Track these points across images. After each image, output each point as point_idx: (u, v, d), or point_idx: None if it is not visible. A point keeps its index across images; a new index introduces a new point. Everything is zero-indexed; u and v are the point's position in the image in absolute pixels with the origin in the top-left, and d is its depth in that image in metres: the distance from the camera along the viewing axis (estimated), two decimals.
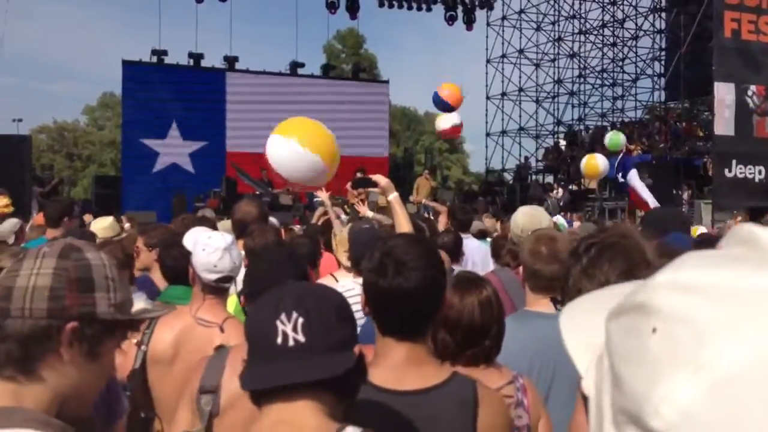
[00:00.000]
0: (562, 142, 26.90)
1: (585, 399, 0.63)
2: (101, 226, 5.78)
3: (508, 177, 27.00)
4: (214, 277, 2.91)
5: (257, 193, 15.13)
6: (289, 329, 1.45)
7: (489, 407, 1.92)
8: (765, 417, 0.46)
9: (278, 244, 3.96)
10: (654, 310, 0.54)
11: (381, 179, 3.46)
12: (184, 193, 16.69)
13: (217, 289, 2.96)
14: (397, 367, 1.88)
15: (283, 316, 1.46)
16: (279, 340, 1.44)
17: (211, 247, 2.92)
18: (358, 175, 11.15)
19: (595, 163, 16.02)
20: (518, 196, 19.44)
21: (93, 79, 75.30)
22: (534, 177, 25.97)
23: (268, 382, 1.45)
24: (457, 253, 5.35)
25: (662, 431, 0.49)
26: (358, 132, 22.09)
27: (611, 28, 27.54)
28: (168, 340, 2.90)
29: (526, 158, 27.47)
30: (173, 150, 20.55)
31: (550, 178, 25.93)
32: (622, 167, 15.49)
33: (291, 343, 1.44)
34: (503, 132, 28.17)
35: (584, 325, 0.67)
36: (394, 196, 3.39)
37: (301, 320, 1.45)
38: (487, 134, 28.36)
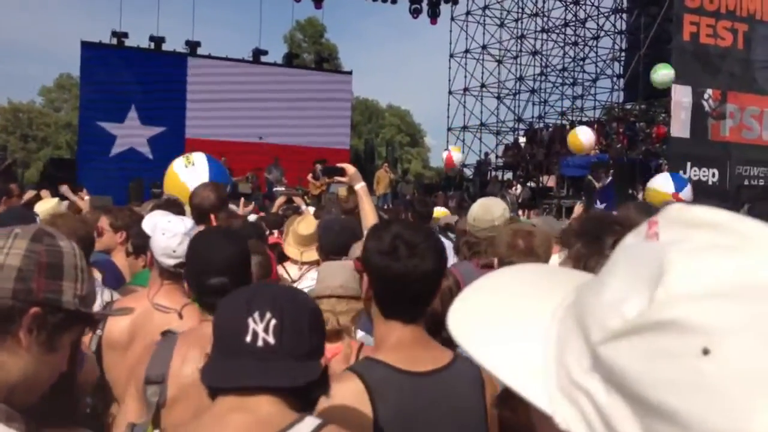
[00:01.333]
0: (522, 140, 27.11)
1: None
2: (44, 207, 5.67)
3: (469, 172, 27.15)
4: (172, 262, 2.86)
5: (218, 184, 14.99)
6: (260, 329, 1.43)
7: (491, 383, 1.98)
8: None
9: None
10: (690, 328, 0.48)
11: (349, 168, 3.45)
12: (141, 179, 16.47)
13: (176, 275, 2.89)
14: (410, 349, 1.92)
15: (256, 315, 1.44)
16: (248, 338, 1.42)
17: (170, 231, 2.87)
18: (318, 166, 11.12)
19: (577, 140, 16.02)
20: (477, 192, 19.56)
21: (50, 60, 73.80)
22: (494, 173, 26.15)
23: (229, 382, 1.44)
24: None
25: None
26: (319, 122, 22.05)
27: (573, 28, 27.81)
28: (124, 325, 2.85)
29: (486, 154, 27.63)
30: (131, 134, 20.27)
31: (509, 175, 26.13)
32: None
33: (260, 343, 1.42)
34: (464, 127, 28.29)
35: (503, 338, 0.58)
36: (360, 186, 3.39)
37: (273, 322, 1.44)
38: (449, 129, 28.48)
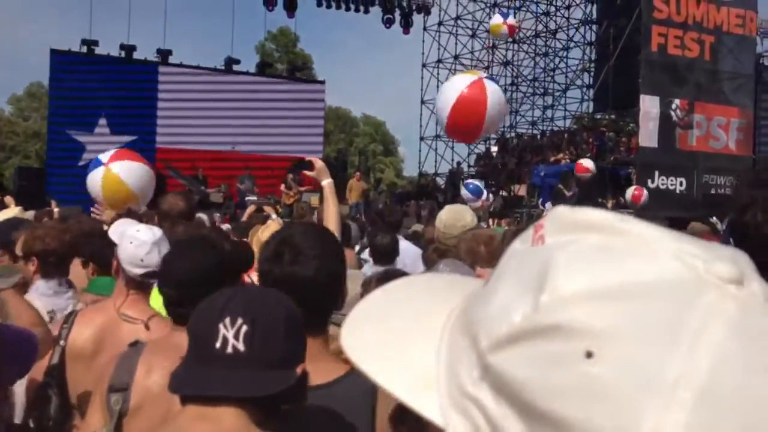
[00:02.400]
0: (494, 149, 27.27)
1: None
2: (7, 216, 5.60)
3: (441, 181, 27.23)
4: (140, 271, 2.82)
5: (188, 189, 14.92)
6: (231, 335, 1.38)
7: (385, 398, 1.82)
8: (743, 423, 0.44)
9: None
10: (574, 331, 0.46)
11: (317, 161, 3.44)
12: None
13: (142, 284, 2.88)
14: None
15: (227, 320, 1.38)
16: (218, 344, 1.37)
17: (138, 240, 2.83)
18: (290, 175, 11.07)
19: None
20: (450, 201, 19.62)
21: (20, 68, 72.75)
22: (466, 182, 26.24)
23: (193, 390, 1.39)
24: (394, 254, 5.36)
25: None
26: (292, 131, 21.99)
27: (544, 38, 28.09)
28: (88, 336, 2.80)
29: (459, 163, 27.74)
30: (101, 144, 19.97)
31: (481, 183, 26.24)
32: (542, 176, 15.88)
33: (229, 350, 1.37)
34: (437, 136, 28.38)
35: (396, 353, 0.55)
36: (327, 182, 3.35)
37: (245, 328, 1.38)
38: (421, 138, 28.58)
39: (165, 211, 4.34)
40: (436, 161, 28.60)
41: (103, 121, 20.13)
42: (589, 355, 0.45)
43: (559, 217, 0.54)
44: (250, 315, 1.39)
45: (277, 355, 1.40)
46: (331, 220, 3.23)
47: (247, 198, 16.34)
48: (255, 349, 1.38)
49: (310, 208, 8.60)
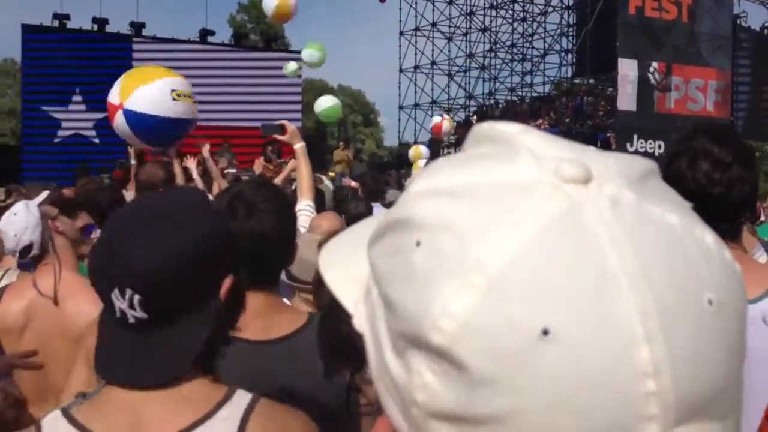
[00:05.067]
0: (474, 117, 27.28)
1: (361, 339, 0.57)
2: None
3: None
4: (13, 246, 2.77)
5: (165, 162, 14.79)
6: (126, 307, 1.22)
7: None
8: (531, 311, 0.45)
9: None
10: (414, 223, 0.50)
11: (288, 125, 3.41)
12: (87, 164, 16.17)
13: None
14: (262, 317, 1.81)
15: (116, 291, 1.22)
16: (118, 315, 1.24)
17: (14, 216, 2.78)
18: (269, 147, 10.96)
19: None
20: None
21: None
22: (446, 150, 26.25)
23: (126, 379, 1.27)
24: None
25: (444, 345, 0.46)
26: (269, 104, 21.83)
27: (521, 3, 27.98)
28: (17, 309, 2.73)
29: None
30: (76, 119, 19.82)
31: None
32: None
33: (131, 320, 1.23)
34: (416, 105, 28.35)
35: (346, 258, 0.61)
36: (300, 146, 3.34)
37: (138, 297, 1.21)
38: (400, 107, 28.50)
39: (145, 180, 4.32)
40: (415, 130, 28.57)
41: (78, 97, 19.88)
42: (417, 244, 0.49)
43: (475, 130, 0.57)
44: (137, 281, 1.20)
45: (189, 297, 1.25)
46: (305, 183, 3.21)
47: (226, 171, 16.23)
48: (161, 310, 1.23)
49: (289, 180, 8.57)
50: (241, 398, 1.30)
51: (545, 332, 0.44)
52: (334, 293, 0.59)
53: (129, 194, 5.83)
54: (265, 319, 1.82)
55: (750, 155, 1.91)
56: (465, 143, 0.57)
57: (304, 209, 3.23)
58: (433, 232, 0.49)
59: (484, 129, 0.56)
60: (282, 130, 3.38)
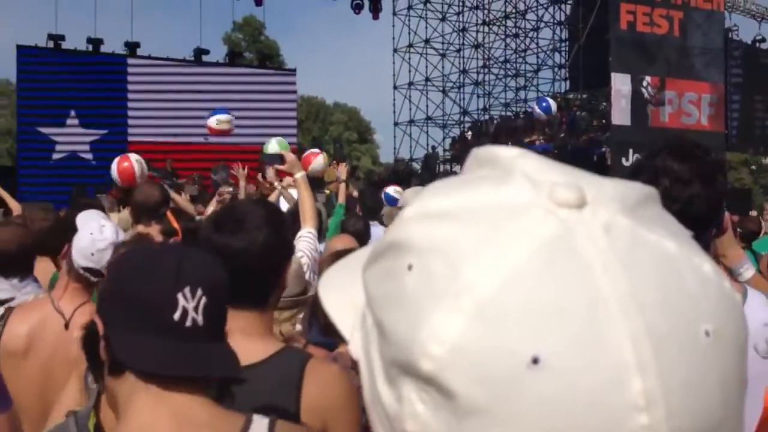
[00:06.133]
0: (469, 133, 27.33)
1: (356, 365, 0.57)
2: None
3: (417, 166, 27.26)
4: (85, 264, 2.72)
5: (161, 183, 14.79)
6: (191, 307, 1.27)
7: (314, 381, 1.76)
8: (521, 337, 0.44)
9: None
10: (406, 246, 0.50)
11: (288, 155, 3.45)
12: (83, 184, 16.14)
13: (83, 278, 2.78)
14: (234, 340, 1.70)
15: (186, 290, 1.27)
16: (176, 315, 1.26)
17: (100, 234, 2.75)
18: (320, 159, 10.95)
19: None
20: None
21: None
22: (442, 167, 26.30)
23: (182, 368, 1.27)
24: (366, 238, 5.39)
25: (433, 372, 0.45)
26: (265, 122, 21.83)
27: (513, 20, 28.11)
28: (22, 332, 2.71)
29: (434, 148, 27.81)
30: (72, 139, 19.82)
31: (457, 168, 26.31)
32: None
33: (188, 323, 1.27)
34: (411, 121, 28.40)
35: (344, 284, 0.60)
36: (300, 175, 3.38)
37: (204, 300, 1.28)
38: (395, 124, 28.55)
39: (141, 202, 4.30)
40: (411, 146, 28.64)
41: (73, 117, 19.88)
42: (409, 267, 0.49)
43: (474, 154, 0.58)
44: (207, 285, 1.30)
45: (222, 328, 1.35)
46: (308, 212, 3.24)
47: (221, 188, 16.23)
48: (212, 322, 1.31)
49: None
50: (260, 422, 1.33)
51: (535, 360, 0.43)
52: (332, 319, 0.58)
53: (123, 214, 5.82)
54: (231, 343, 1.78)
55: (712, 172, 1.92)
56: (465, 166, 0.58)
57: (306, 236, 3.25)
58: (425, 255, 0.48)
59: (483, 153, 0.56)
60: (282, 160, 3.42)
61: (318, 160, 8.31)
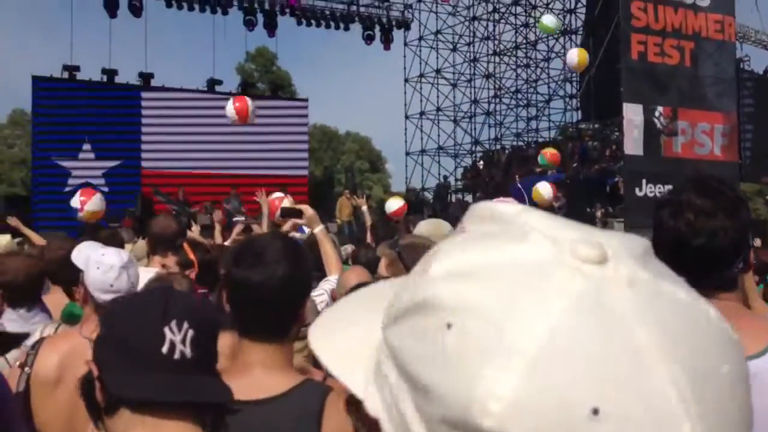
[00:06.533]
0: (480, 163, 27.36)
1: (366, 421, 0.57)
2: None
3: (428, 196, 27.27)
4: (109, 297, 2.68)
5: (174, 212, 14.85)
6: (178, 340, 1.31)
7: (333, 416, 1.75)
8: (577, 390, 0.46)
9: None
10: (438, 306, 0.52)
11: (307, 209, 3.46)
12: None
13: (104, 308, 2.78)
14: (252, 373, 1.76)
15: (173, 324, 1.32)
16: (164, 349, 1.30)
17: (105, 264, 2.73)
18: (285, 203, 11.00)
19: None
20: (439, 216, 19.60)
21: (2, 96, 72.44)
22: (454, 196, 26.30)
23: (184, 395, 1.30)
24: (376, 268, 5.35)
25: (496, 428, 0.47)
26: (277, 152, 21.96)
27: (524, 50, 28.27)
28: (52, 362, 2.70)
29: (446, 177, 27.82)
30: (86, 169, 19.96)
31: (469, 198, 26.31)
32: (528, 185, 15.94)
33: (177, 356, 1.31)
34: (422, 151, 28.47)
35: (341, 339, 0.62)
36: (320, 229, 3.39)
37: (191, 333, 1.32)
38: (407, 153, 28.63)
39: (158, 233, 4.30)
40: (422, 176, 28.69)
41: (87, 147, 20.04)
42: (449, 326, 0.50)
43: (475, 209, 0.60)
44: (193, 319, 1.34)
45: (213, 360, 1.38)
46: (331, 262, 3.24)
47: (234, 219, 16.28)
48: (200, 354, 1.34)
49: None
50: None
51: (595, 411, 0.45)
52: (337, 377, 0.59)
53: (140, 244, 5.81)
54: (252, 376, 1.75)
55: (736, 205, 1.90)
56: (464, 222, 0.59)
57: (332, 281, 3.30)
58: (461, 314, 0.50)
59: (483, 209, 0.59)
60: (300, 214, 3.43)
61: (285, 203, 8.39)
